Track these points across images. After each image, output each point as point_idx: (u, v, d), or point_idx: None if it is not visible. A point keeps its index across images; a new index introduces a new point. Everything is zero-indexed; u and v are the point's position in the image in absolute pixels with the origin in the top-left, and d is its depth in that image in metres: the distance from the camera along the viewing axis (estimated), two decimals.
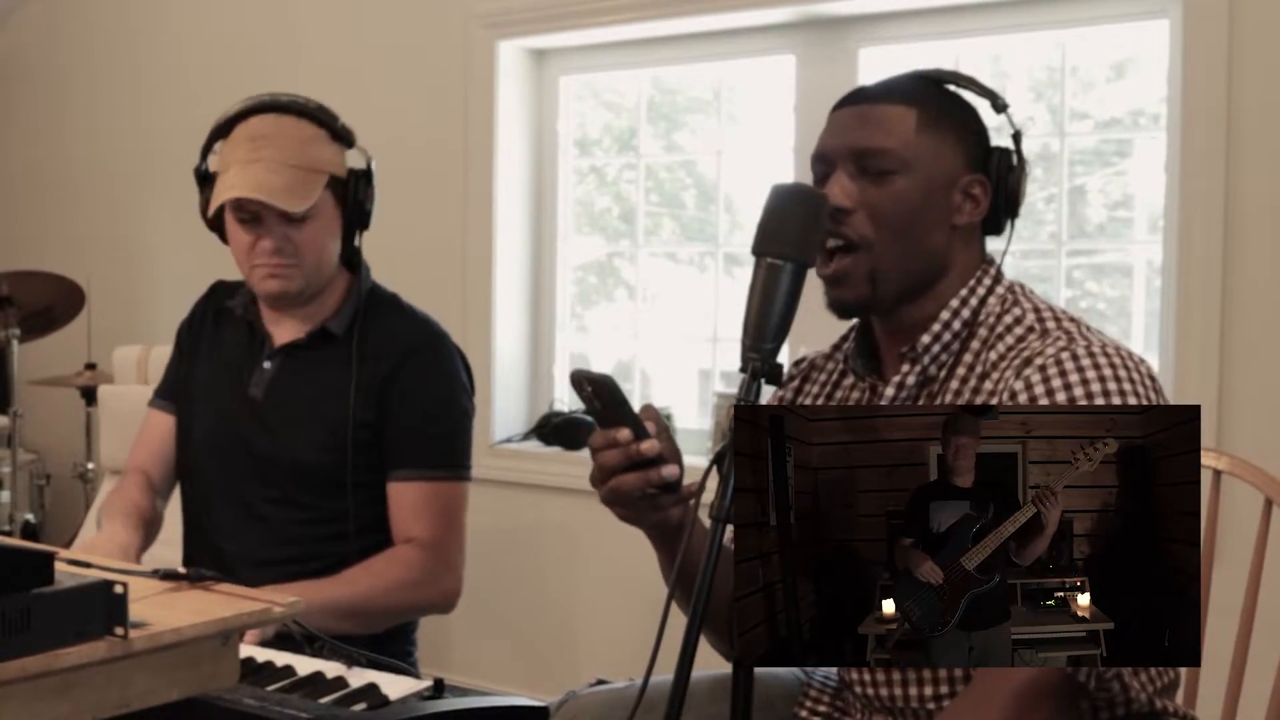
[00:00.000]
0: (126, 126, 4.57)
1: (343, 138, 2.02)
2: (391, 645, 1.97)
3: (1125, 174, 3.08)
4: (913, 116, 1.44)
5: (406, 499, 2.02)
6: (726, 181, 3.58)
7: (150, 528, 2.07)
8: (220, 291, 2.19)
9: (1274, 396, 2.67)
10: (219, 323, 2.17)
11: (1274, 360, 2.67)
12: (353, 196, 2.02)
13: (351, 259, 2.10)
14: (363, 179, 2.03)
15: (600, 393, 1.32)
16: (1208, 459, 1.74)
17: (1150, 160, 2.98)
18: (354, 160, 2.04)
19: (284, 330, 2.09)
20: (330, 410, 2.01)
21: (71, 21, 4.75)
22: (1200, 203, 2.71)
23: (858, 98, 1.49)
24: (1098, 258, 3.12)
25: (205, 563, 1.85)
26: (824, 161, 1.48)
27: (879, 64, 3.19)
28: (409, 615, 2.07)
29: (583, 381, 1.32)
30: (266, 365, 2.08)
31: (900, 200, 1.43)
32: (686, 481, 1.40)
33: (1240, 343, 2.70)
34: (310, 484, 2.02)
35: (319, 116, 2.00)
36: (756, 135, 3.55)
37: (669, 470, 1.35)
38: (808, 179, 1.48)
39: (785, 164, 3.37)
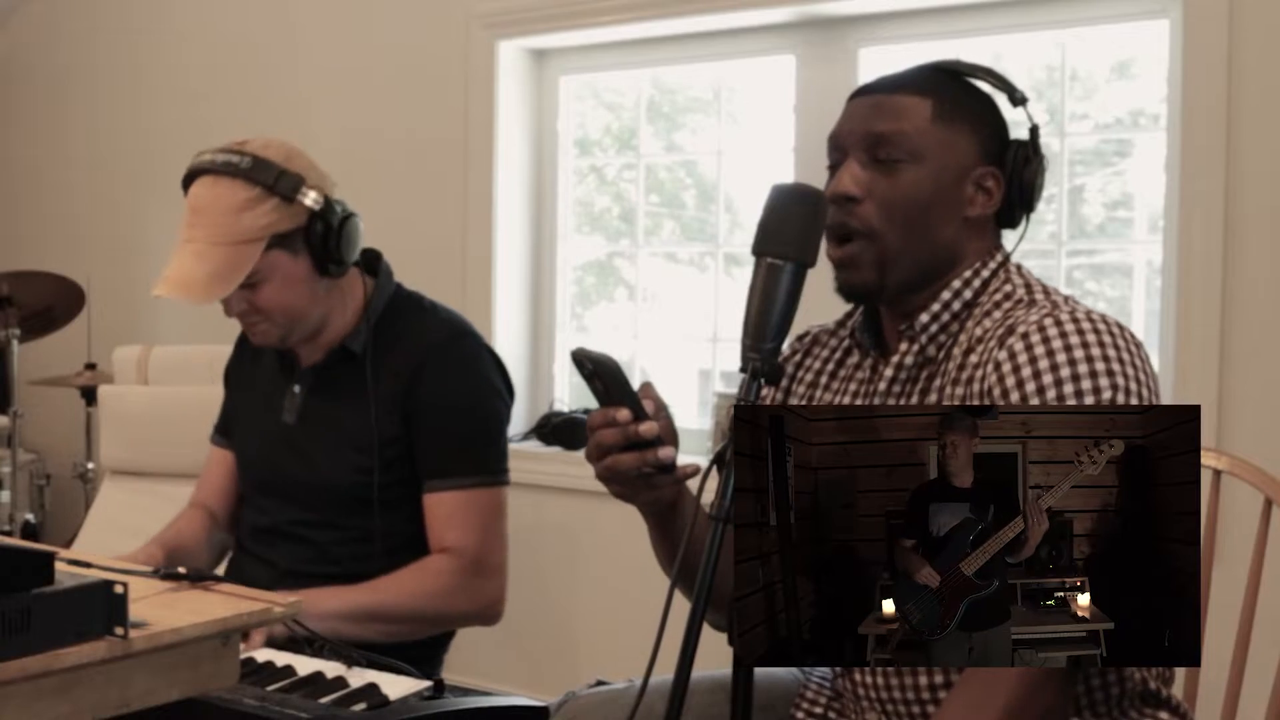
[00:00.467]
0: (127, 126, 4.57)
1: (283, 191, 1.90)
2: (417, 664, 1.94)
3: (1125, 174, 3.08)
4: (928, 106, 1.44)
5: (440, 510, 1.98)
6: (726, 181, 3.58)
7: (186, 555, 2.05)
8: None
9: (1274, 396, 2.67)
10: (257, 352, 2.17)
11: (1274, 360, 2.67)
12: (315, 240, 1.94)
13: (366, 264, 2.07)
14: (319, 221, 1.93)
15: (601, 372, 1.32)
16: (1208, 459, 1.74)
17: (1150, 160, 2.98)
18: (312, 201, 1.93)
19: (309, 351, 2.07)
20: (357, 430, 1.99)
21: (72, 21, 4.75)
22: (1200, 203, 2.71)
23: (874, 87, 1.49)
24: (1098, 258, 3.12)
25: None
26: (837, 148, 1.48)
27: (879, 64, 3.19)
28: (442, 625, 2.03)
29: (584, 360, 1.32)
30: (296, 389, 2.07)
31: (910, 191, 1.43)
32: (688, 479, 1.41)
33: (1240, 343, 2.70)
34: (346, 505, 1.99)
35: (253, 176, 1.90)
36: (756, 135, 3.54)
37: (666, 452, 1.35)
38: (808, 179, 1.47)
39: (785, 164, 3.37)
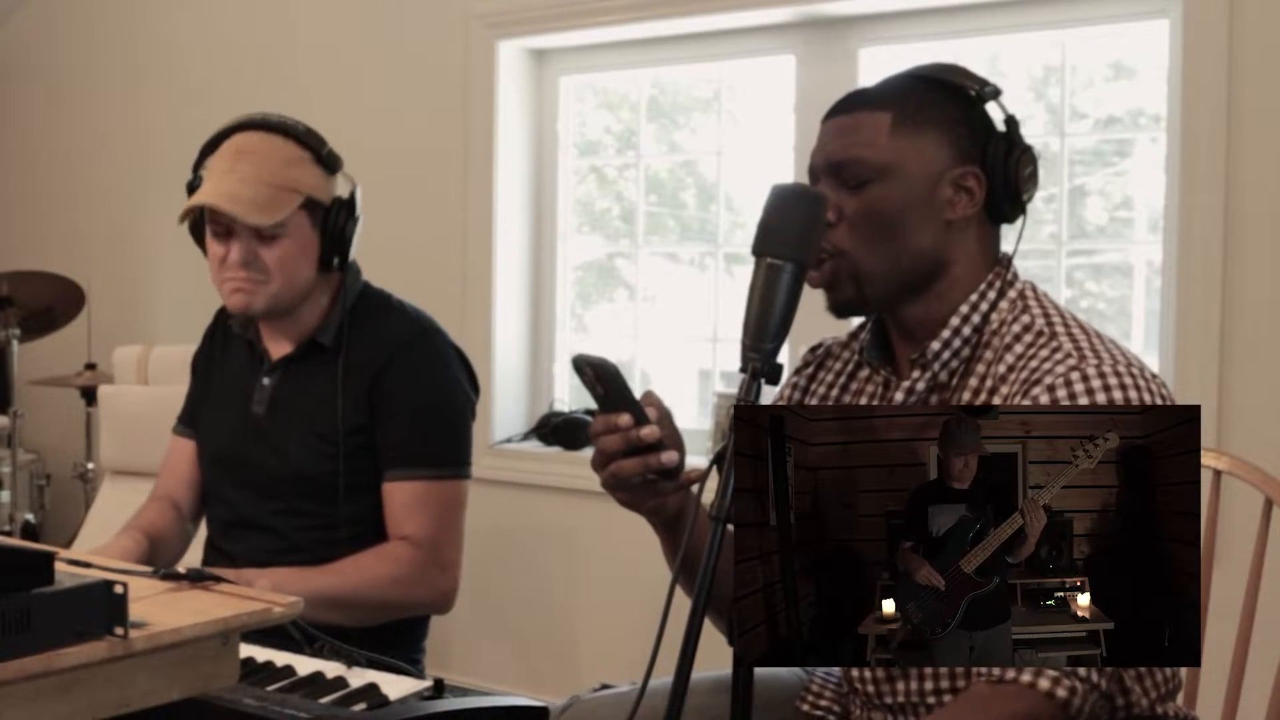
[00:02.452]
0: (127, 126, 4.58)
1: (327, 163, 2.00)
2: (399, 648, 1.96)
3: (1125, 174, 3.08)
4: (887, 120, 1.43)
5: (398, 499, 2.01)
6: (726, 181, 3.58)
7: (164, 544, 2.08)
8: (225, 314, 2.21)
9: (1274, 396, 2.67)
10: (226, 345, 2.20)
11: (1274, 360, 2.67)
12: (333, 223, 2.00)
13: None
14: (344, 208, 2.01)
15: (602, 377, 1.32)
16: (1208, 459, 1.74)
17: (1150, 160, 2.98)
18: (341, 188, 2.02)
19: (279, 345, 2.10)
20: (325, 419, 2.02)
21: (71, 21, 4.76)
22: (1200, 203, 2.71)
23: (838, 108, 1.48)
24: (1098, 258, 3.12)
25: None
26: (812, 174, 1.49)
27: (879, 64, 3.19)
28: (400, 612, 2.05)
29: (584, 366, 1.32)
30: (265, 381, 2.09)
31: (879, 208, 1.42)
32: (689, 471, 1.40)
33: (1240, 343, 2.70)
34: (312, 493, 2.02)
35: (305, 140, 1.99)
36: (756, 135, 3.55)
37: (668, 456, 1.35)
38: (808, 179, 1.48)
39: (785, 164, 3.37)
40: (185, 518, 2.18)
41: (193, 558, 2.19)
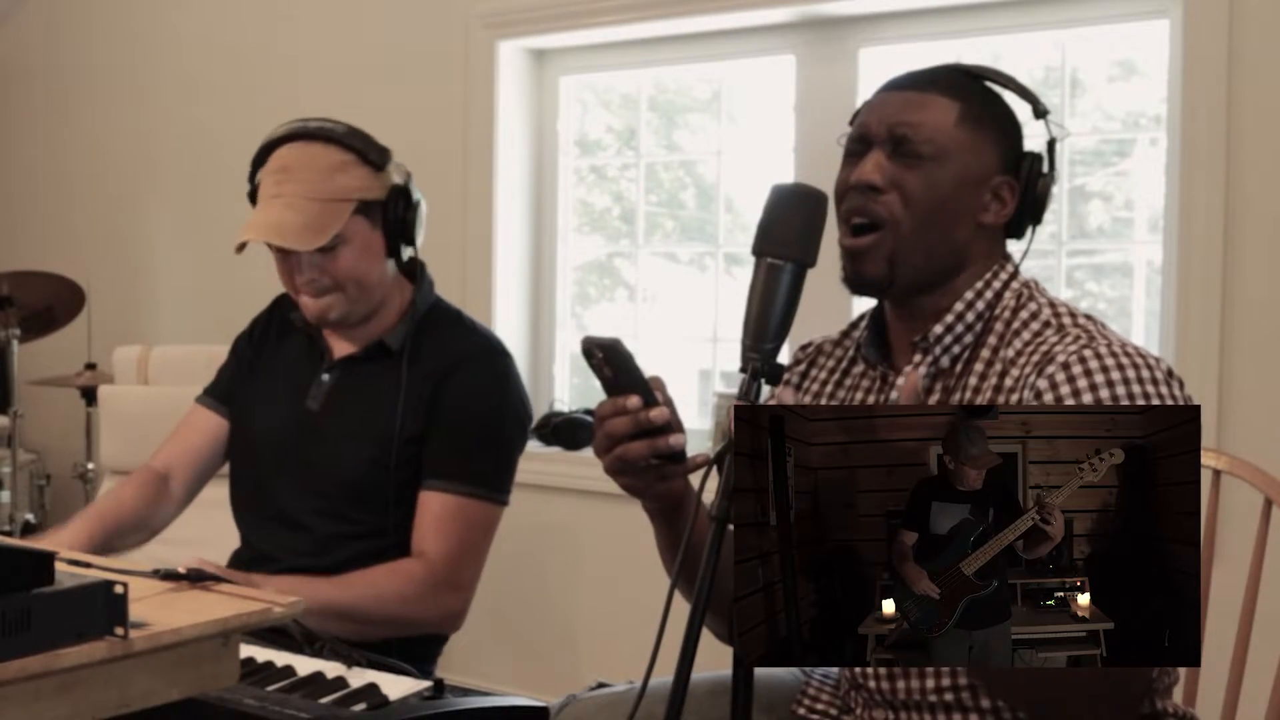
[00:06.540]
0: (126, 127, 4.58)
1: (374, 160, 1.99)
2: (413, 662, 1.94)
3: (1125, 174, 3.08)
4: (955, 109, 1.44)
5: (430, 510, 1.98)
6: (726, 181, 3.58)
7: (127, 529, 2.04)
8: (284, 304, 2.18)
9: (1274, 396, 2.67)
10: (281, 335, 2.17)
11: (1274, 360, 2.67)
12: (393, 215, 1.99)
13: (412, 271, 2.08)
14: (401, 197, 2.00)
15: (611, 359, 1.31)
16: (1208, 459, 1.74)
17: (1150, 160, 2.98)
18: (395, 178, 2.01)
19: (342, 344, 2.08)
20: (382, 424, 1.99)
21: (71, 22, 4.76)
22: (1200, 203, 2.71)
23: (904, 83, 1.49)
24: (1098, 258, 3.12)
25: (249, 569, 1.83)
26: (862, 140, 1.47)
27: (879, 64, 3.19)
28: (404, 629, 2.01)
29: (593, 348, 1.31)
30: (325, 378, 2.07)
31: (932, 187, 1.43)
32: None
33: (1240, 343, 2.70)
34: (358, 497, 2.00)
35: (347, 142, 1.97)
36: (756, 135, 3.55)
37: (676, 439, 1.34)
38: (808, 179, 1.47)
39: (785, 164, 3.37)
40: (172, 497, 2.13)
41: (173, 557, 2.15)
